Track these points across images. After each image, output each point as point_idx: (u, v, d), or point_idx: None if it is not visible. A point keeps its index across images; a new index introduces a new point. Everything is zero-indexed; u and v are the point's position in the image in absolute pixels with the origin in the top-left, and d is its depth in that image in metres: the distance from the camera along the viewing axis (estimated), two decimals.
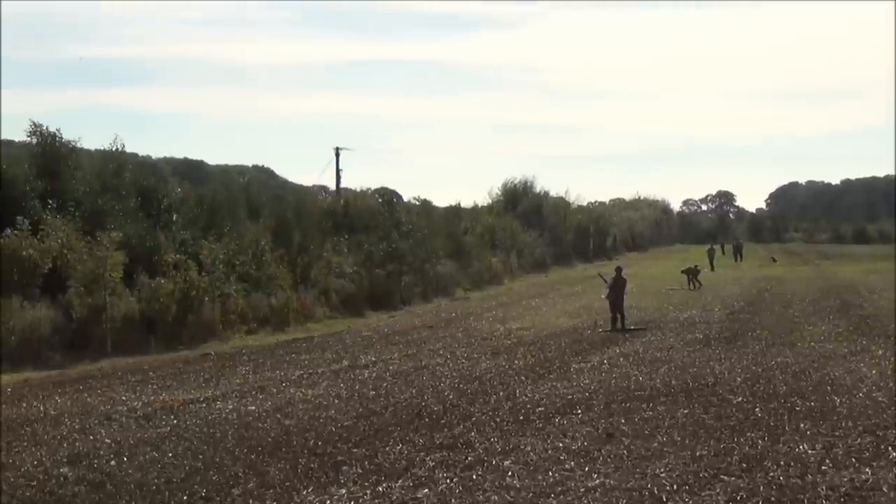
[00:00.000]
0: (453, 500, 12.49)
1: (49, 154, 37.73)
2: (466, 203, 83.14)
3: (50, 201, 34.71)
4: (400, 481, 13.39)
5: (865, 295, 44.09)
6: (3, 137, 48.19)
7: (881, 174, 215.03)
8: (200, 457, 15.27)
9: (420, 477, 13.58)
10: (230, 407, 19.98)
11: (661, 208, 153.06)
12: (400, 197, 74.81)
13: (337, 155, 73.07)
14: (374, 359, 27.36)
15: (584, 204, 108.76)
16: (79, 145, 39.35)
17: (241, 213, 46.20)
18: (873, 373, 21.87)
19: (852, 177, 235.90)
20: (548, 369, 24.27)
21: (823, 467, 13.51)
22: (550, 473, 13.58)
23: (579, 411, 18.40)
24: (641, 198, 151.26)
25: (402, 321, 39.59)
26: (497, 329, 34.28)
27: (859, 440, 15.09)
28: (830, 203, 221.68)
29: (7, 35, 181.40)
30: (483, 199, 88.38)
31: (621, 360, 25.59)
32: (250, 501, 12.82)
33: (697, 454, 14.44)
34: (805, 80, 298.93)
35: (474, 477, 13.49)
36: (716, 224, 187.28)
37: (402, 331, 35.14)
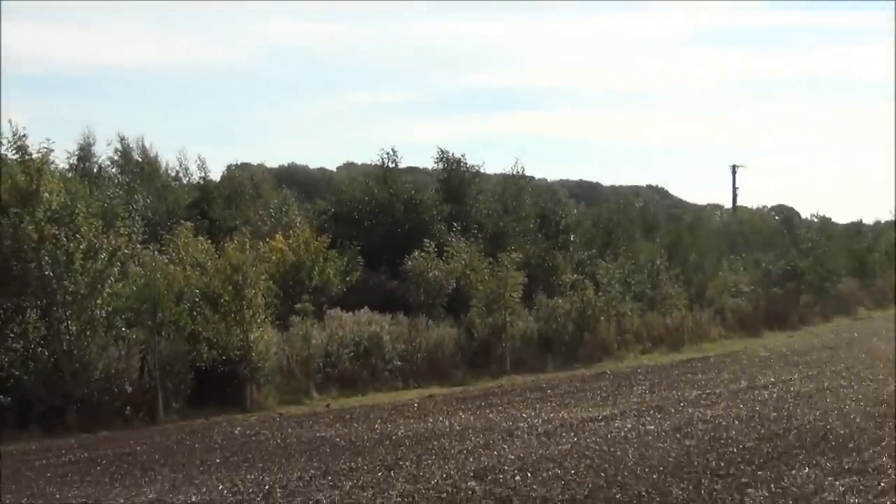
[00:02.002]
0: None
1: (454, 179, 39.39)
2: (868, 220, 79.62)
3: (454, 224, 36.17)
4: None
5: None
6: (410, 164, 50.74)
7: None
8: (602, 474, 15.39)
9: (830, 502, 13.14)
10: (629, 425, 20.05)
11: None
12: (798, 214, 72.67)
13: (734, 172, 72.13)
14: (773, 379, 26.73)
15: None
16: (482, 170, 40.91)
17: (635, 233, 46.41)
18: None
19: None
20: None
21: None
22: None
23: None
24: None
25: (800, 341, 38.48)
26: None
27: None
28: None
29: (419, 65, 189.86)
30: (886, 215, 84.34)
31: None
32: None
33: None
34: None
35: (888, 503, 12.89)
36: None
37: (802, 351, 34.13)
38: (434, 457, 17.56)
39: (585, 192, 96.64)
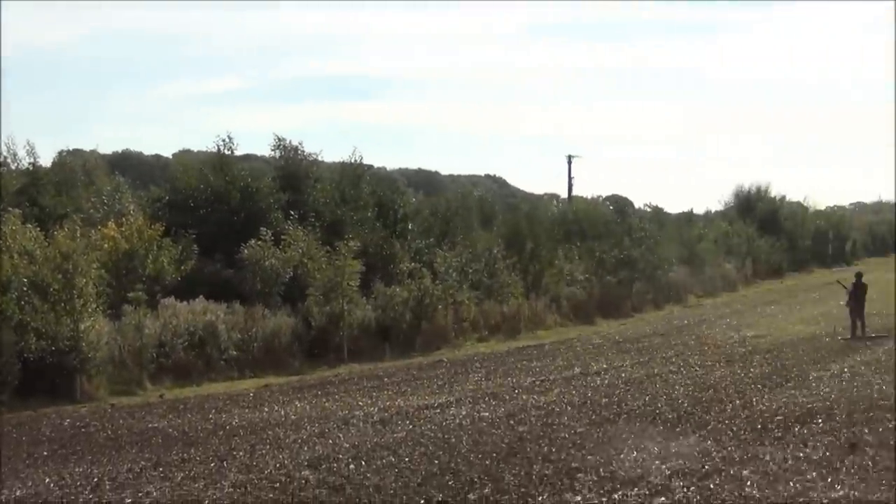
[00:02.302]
0: None
1: (291, 167, 39.12)
2: (699, 210, 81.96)
3: (292, 212, 35.97)
4: (636, 489, 13.28)
5: None
6: (247, 152, 50.13)
7: None
8: (436, 461, 15.50)
9: (656, 485, 13.44)
10: (464, 413, 20.23)
11: None
12: (632, 204, 74.29)
13: (569, 163, 73.26)
14: (605, 366, 27.25)
15: (823, 209, 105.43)
16: (319, 158, 40.69)
17: (473, 222, 46.83)
18: None
19: None
20: (785, 378, 23.66)
21: None
22: (791, 484, 13.25)
23: (820, 421, 17.86)
24: (883, 201, 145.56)
25: (633, 328, 39.30)
26: (731, 336, 33.62)
27: None
28: None
29: (250, 55, 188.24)
30: (715, 206, 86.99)
31: (863, 368, 24.73)
32: None
33: None
34: None
35: (711, 486, 13.28)
36: None
37: (633, 338, 34.87)
38: (268, 446, 17.45)
39: (424, 181, 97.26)
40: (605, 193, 79.32)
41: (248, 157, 49.97)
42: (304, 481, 14.56)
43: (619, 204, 71.19)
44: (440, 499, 13.34)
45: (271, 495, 13.95)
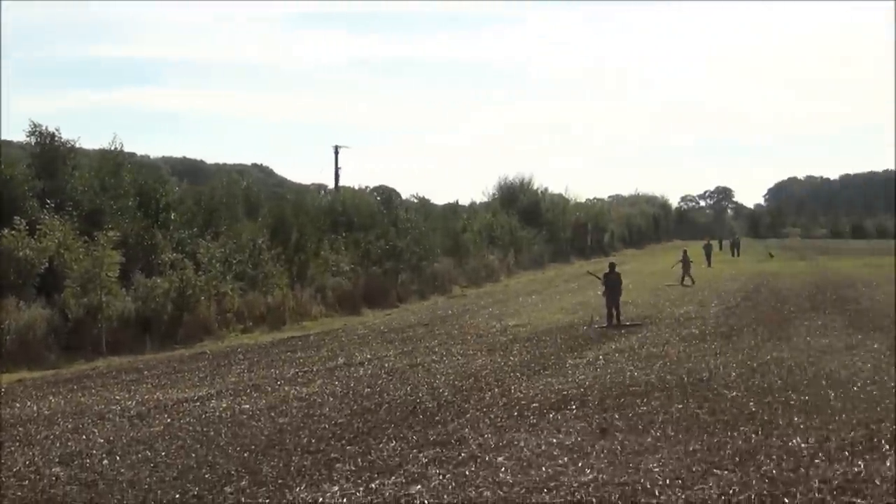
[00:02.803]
0: (446, 496, 12.45)
1: (48, 154, 37.78)
2: (464, 201, 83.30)
3: (48, 201, 34.78)
4: (393, 478, 13.35)
5: (862, 290, 43.89)
6: (2, 138, 48.08)
7: (880, 169, 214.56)
8: (193, 455, 15.26)
9: (413, 473, 13.54)
10: (224, 405, 19.97)
11: (660, 204, 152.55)
12: (398, 195, 74.87)
13: (336, 153, 73.27)
14: (369, 356, 27.35)
15: (583, 201, 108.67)
16: (78, 145, 39.43)
17: (238, 212, 46.31)
18: (868, 367, 21.72)
19: (851, 172, 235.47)
20: (543, 365, 24.22)
21: (816, 460, 13.41)
22: (543, 469, 13.53)
23: (574, 407, 18.33)
24: (640, 194, 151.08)
25: (398, 319, 39.60)
26: (493, 326, 34.27)
27: (853, 433, 14.97)
28: (829, 198, 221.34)
29: (7, 35, 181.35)
30: (480, 197, 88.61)
31: (616, 355, 25.54)
32: (242, 499, 12.79)
33: (691, 448, 14.37)
34: (804, 76, 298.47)
35: (467, 473, 13.44)
36: (713, 220, 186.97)
37: (398, 328, 35.14)
38: (18, 443, 16.83)
39: (189, 169, 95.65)
40: (372, 184, 79.71)
41: (4, 144, 48.04)
42: (54, 478, 14.10)
43: (386, 194, 71.59)
44: (196, 492, 13.11)
45: (20, 493, 13.46)
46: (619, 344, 27.97)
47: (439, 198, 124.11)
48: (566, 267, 75.09)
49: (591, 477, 12.98)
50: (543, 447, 14.91)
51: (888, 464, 13.05)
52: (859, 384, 19.46)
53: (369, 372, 24.29)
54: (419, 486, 12.90)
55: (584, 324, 33.67)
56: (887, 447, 14.01)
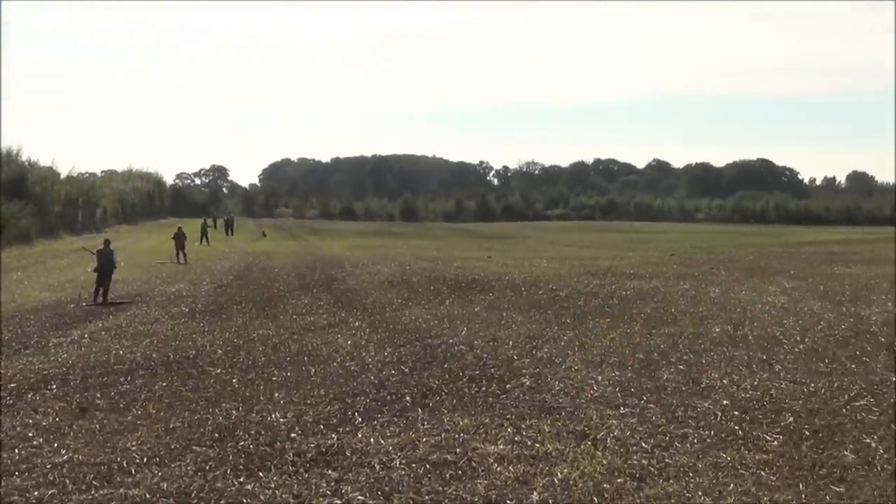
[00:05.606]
0: None
1: None
2: None
3: None
4: None
5: (349, 269, 45.41)
6: None
7: (369, 154, 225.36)
8: None
9: None
10: None
11: (154, 181, 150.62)
12: None
13: None
14: None
15: (75, 175, 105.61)
16: None
17: None
18: (349, 343, 22.57)
19: (342, 156, 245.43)
20: (24, 344, 23.43)
21: (293, 434, 13.81)
22: (17, 451, 13.09)
23: (54, 386, 17.87)
24: (134, 170, 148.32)
25: None
26: None
27: (329, 407, 15.56)
28: (320, 180, 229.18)
29: None
30: None
31: (103, 333, 25.11)
32: None
33: (171, 426, 14.40)
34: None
35: None
36: (209, 198, 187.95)
37: None
38: None
39: None
40: None
41: None
42: None
43: None
44: None
45: None
46: (107, 322, 27.52)
47: None
48: (55, 243, 72.59)
49: (66, 458, 12.70)
50: (18, 429, 14.44)
51: (360, 436, 13.69)
52: (339, 360, 20.22)
53: None
54: None
55: (71, 301, 32.84)
56: (360, 419, 14.70)
